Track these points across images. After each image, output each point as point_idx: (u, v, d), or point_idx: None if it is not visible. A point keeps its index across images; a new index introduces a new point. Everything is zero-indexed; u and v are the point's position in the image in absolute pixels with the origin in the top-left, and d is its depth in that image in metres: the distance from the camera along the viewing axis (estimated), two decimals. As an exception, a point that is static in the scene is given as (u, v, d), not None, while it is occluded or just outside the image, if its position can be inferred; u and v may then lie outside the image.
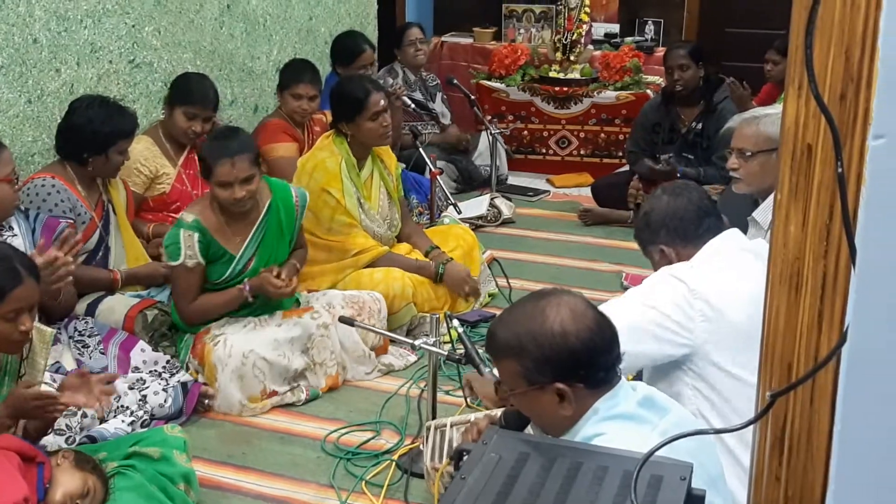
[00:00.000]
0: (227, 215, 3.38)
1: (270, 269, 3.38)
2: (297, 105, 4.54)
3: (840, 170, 1.00)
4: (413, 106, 5.55)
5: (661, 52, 6.72)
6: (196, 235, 3.33)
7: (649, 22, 6.93)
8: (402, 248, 4.11)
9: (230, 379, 3.29)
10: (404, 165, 5.06)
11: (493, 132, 5.52)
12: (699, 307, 2.26)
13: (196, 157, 4.12)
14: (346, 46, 5.30)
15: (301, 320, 3.45)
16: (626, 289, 4.43)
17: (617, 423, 1.77)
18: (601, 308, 1.95)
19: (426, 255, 4.09)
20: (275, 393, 3.36)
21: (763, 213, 3.02)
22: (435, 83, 6.00)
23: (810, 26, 0.97)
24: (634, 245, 4.96)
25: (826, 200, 1.17)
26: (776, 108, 3.24)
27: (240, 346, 3.30)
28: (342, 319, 3.18)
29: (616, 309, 2.25)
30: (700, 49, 5.13)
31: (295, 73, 4.57)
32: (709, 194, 2.59)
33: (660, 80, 6.44)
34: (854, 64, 1.09)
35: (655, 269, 2.52)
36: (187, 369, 3.39)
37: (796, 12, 1.11)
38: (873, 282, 0.86)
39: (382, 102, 3.86)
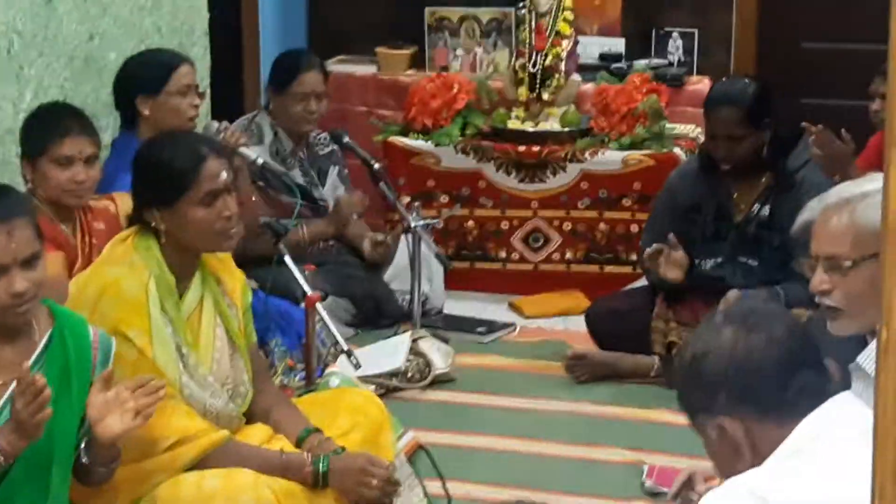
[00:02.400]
0: None
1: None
2: (67, 177, 4.53)
3: None
4: (265, 169, 5.55)
5: (695, 83, 6.88)
6: None
7: (675, 34, 7.10)
8: (256, 434, 4.05)
9: None
10: (256, 285, 5.04)
11: (413, 225, 5.54)
12: None
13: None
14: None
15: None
16: (649, 493, 4.43)
17: None
18: None
19: (298, 443, 4.04)
20: None
21: (874, 357, 3.05)
22: (329, 150, 6.06)
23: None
24: (663, 416, 5.03)
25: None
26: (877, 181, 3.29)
27: None
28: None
29: None
30: (765, 100, 5.23)
31: (52, 124, 4.58)
32: (799, 323, 2.59)
33: (696, 130, 6.56)
34: None
35: (712, 456, 2.50)
36: None
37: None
38: None
39: (224, 176, 3.87)
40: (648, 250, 5.20)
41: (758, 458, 2.39)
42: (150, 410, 3.43)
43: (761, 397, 2.40)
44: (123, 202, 4.67)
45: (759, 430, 2.40)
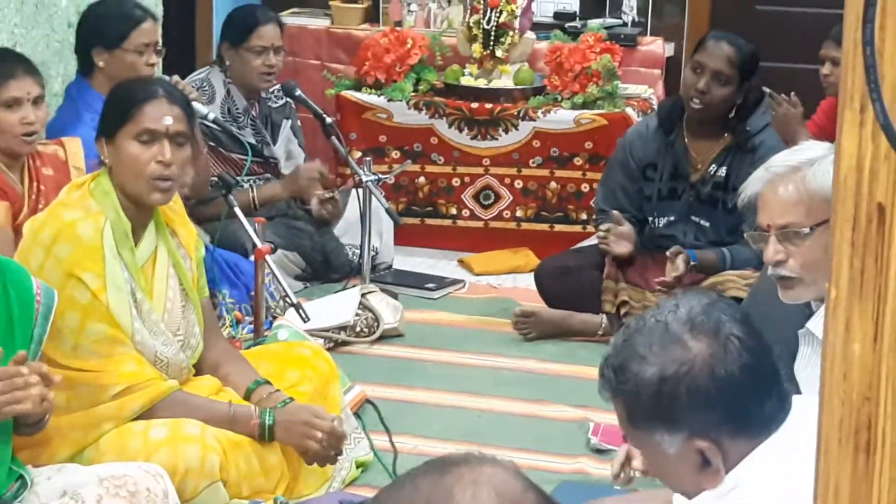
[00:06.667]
0: None
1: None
2: (17, 118, 4.51)
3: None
4: (216, 128, 5.54)
5: (649, 43, 6.90)
6: None
7: (630, -6, 7.12)
8: (205, 385, 4.07)
9: None
10: (208, 239, 5.04)
11: (364, 180, 5.55)
12: None
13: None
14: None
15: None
16: (596, 450, 4.47)
17: None
18: None
19: (247, 395, 4.06)
20: None
21: (823, 322, 3.09)
22: (282, 104, 6.05)
23: (870, 9, 1.01)
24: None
25: (912, 298, 1.20)
26: (824, 147, 3.32)
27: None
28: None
29: None
30: (757, 60, 5.30)
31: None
32: (752, 323, 2.53)
33: (649, 91, 6.59)
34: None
35: (660, 469, 2.43)
36: None
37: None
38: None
39: (168, 121, 3.86)
40: (599, 233, 5.26)
41: (724, 472, 2.34)
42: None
43: (744, 411, 2.32)
44: (72, 147, 4.64)
45: (732, 447, 2.35)
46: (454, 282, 6.09)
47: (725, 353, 2.31)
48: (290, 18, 7.11)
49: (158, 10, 6.00)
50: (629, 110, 6.27)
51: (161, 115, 3.86)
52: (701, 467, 2.32)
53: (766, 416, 2.34)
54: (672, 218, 5.36)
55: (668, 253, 5.12)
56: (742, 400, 2.32)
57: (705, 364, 2.30)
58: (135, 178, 3.84)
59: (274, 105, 6.04)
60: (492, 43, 6.32)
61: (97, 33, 5.22)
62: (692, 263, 5.11)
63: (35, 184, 4.62)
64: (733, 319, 2.39)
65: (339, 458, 4.07)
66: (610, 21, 6.99)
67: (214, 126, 5.53)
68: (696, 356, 2.30)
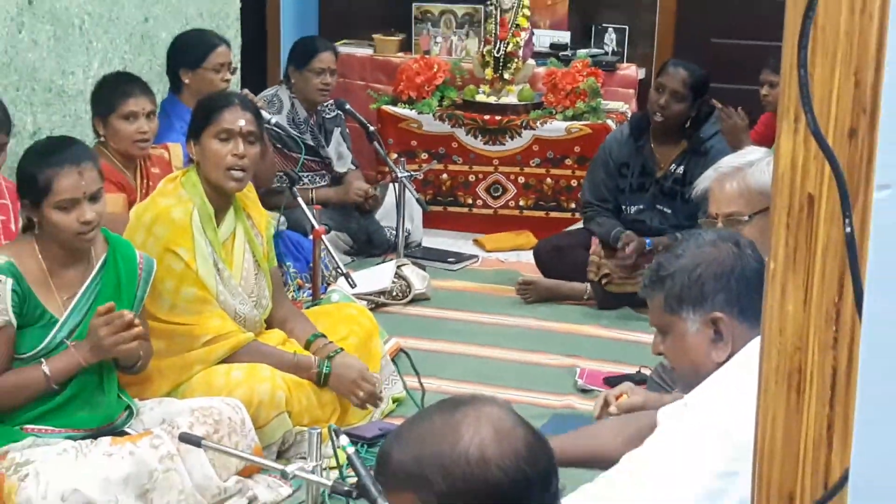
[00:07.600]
0: (50, 263, 3.39)
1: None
2: (134, 129, 4.52)
3: (849, 229, 1.03)
4: (280, 131, 5.58)
5: (625, 68, 6.90)
6: (10, 283, 3.29)
7: (610, 29, 7.10)
8: (274, 337, 4.08)
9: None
10: (279, 220, 5.05)
11: (399, 176, 5.56)
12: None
13: None
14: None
15: (137, 450, 3.38)
16: (581, 390, 4.48)
17: None
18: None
19: (307, 346, 4.07)
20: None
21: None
22: (334, 115, 6.07)
23: (804, 38, 1.01)
24: (593, 331, 5.08)
25: (835, 270, 1.19)
26: (761, 151, 3.34)
27: (58, 484, 3.19)
28: (184, 438, 3.14)
29: None
30: (707, 82, 5.31)
31: (118, 87, 4.57)
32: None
33: (624, 106, 6.59)
34: (866, 90, 1.12)
35: (675, 349, 2.52)
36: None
37: (789, 19, 1.14)
38: (883, 377, 0.88)
39: (241, 123, 3.89)
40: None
41: (730, 349, 2.46)
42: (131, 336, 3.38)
43: (750, 302, 2.45)
44: (175, 150, 4.65)
45: (738, 328, 2.45)
46: (470, 257, 6.09)
47: (743, 257, 2.51)
48: (342, 48, 7.09)
49: (237, 41, 6.04)
50: (609, 121, 6.26)
51: (236, 119, 3.89)
52: (713, 341, 2.47)
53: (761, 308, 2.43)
54: (641, 206, 5.37)
55: (618, 244, 5.21)
56: (751, 292, 2.46)
57: (728, 259, 2.50)
58: (215, 170, 3.87)
59: (328, 116, 6.06)
60: (501, 68, 6.32)
61: (183, 56, 5.27)
62: (648, 248, 5.15)
63: (146, 181, 4.65)
64: (746, 242, 2.62)
65: (378, 399, 4.09)
66: (594, 51, 6.97)
67: (278, 129, 5.57)
68: (723, 252, 2.51)
